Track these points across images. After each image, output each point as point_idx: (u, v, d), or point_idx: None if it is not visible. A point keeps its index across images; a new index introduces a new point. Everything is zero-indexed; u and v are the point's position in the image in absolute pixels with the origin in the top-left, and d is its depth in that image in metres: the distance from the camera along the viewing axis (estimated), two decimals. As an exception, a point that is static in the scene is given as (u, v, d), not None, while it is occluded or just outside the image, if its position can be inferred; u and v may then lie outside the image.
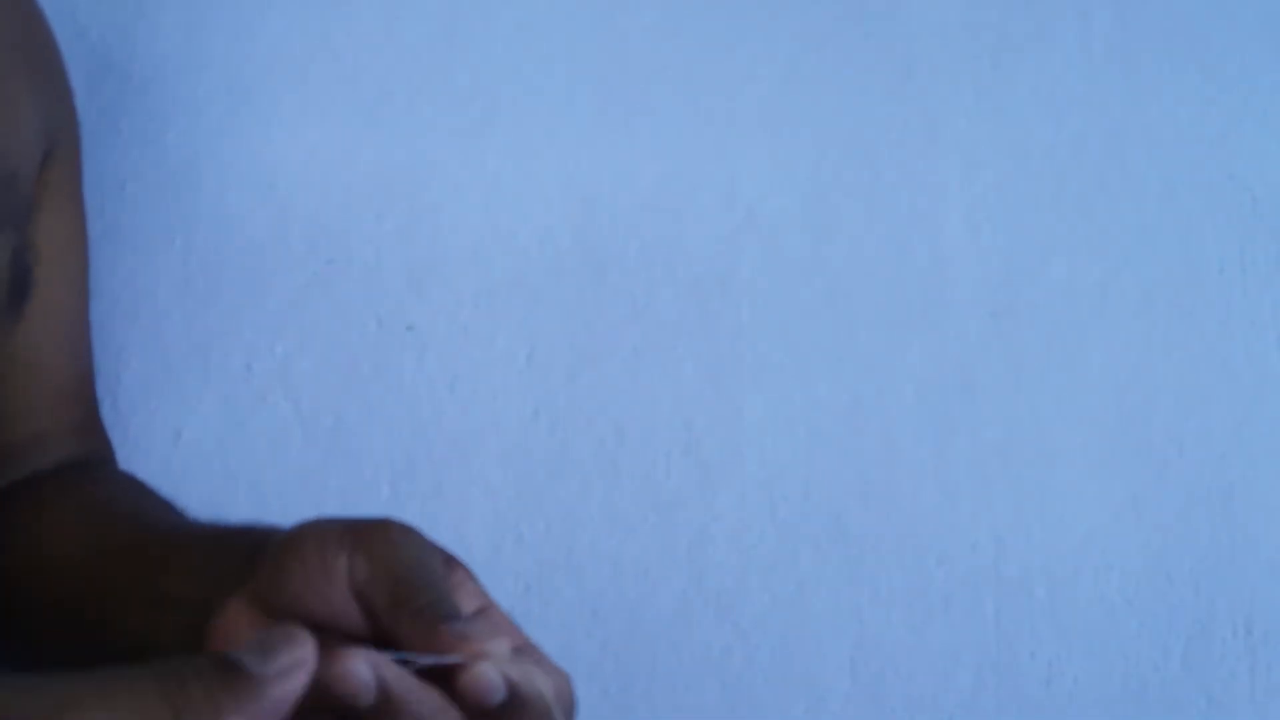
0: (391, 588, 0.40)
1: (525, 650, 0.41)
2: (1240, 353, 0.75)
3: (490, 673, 0.37)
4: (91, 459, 0.64)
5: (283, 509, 0.73)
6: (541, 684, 0.39)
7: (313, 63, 0.77)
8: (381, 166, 0.76)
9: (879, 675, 0.72)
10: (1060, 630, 0.73)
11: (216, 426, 0.74)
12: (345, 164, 0.76)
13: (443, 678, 0.38)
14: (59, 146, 0.60)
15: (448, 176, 0.76)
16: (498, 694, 0.37)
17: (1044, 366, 0.75)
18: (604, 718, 0.72)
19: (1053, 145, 0.77)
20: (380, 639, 0.40)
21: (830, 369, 0.75)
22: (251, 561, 0.45)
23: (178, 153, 0.75)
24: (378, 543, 0.42)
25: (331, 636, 0.39)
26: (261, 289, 0.70)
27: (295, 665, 0.34)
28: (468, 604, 0.42)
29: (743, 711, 0.72)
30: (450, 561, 0.44)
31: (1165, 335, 0.75)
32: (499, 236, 0.75)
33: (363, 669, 0.36)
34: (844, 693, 0.72)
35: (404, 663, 0.38)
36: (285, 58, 0.77)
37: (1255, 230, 0.76)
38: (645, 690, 0.72)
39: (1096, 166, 0.77)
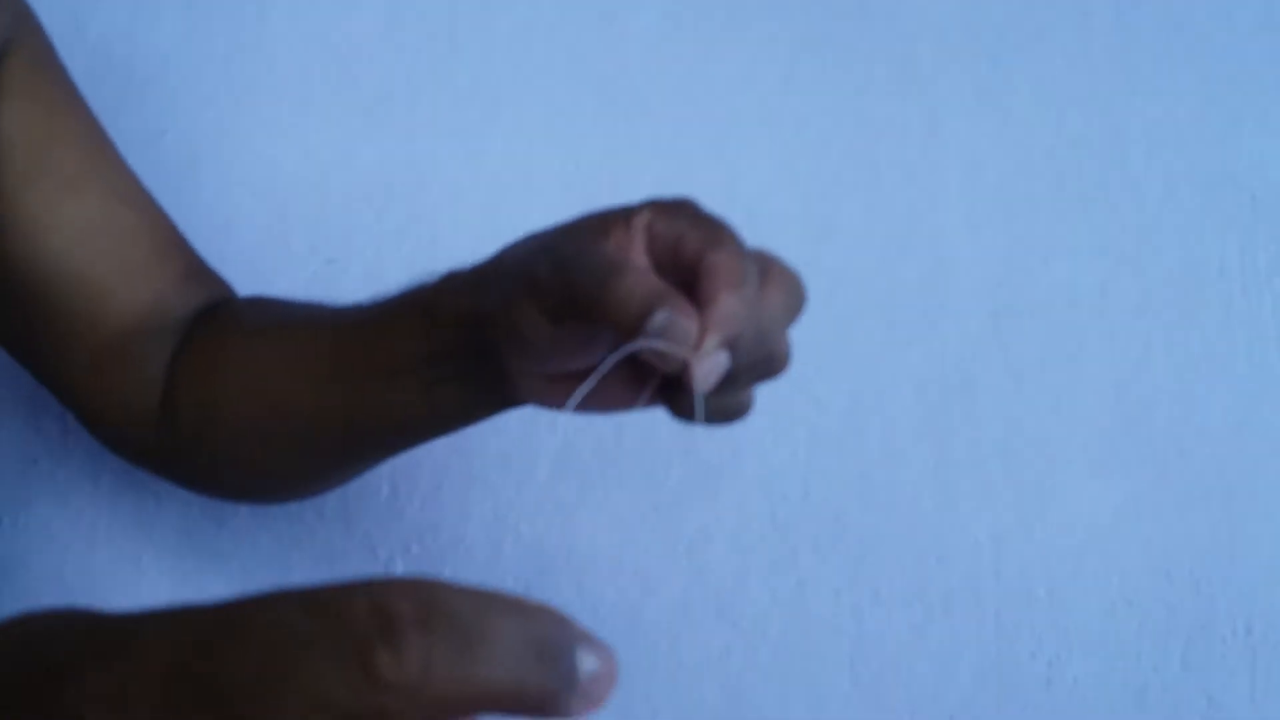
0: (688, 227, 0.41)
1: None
2: (1240, 353, 0.75)
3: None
4: (225, 296, 0.65)
5: (283, 509, 0.73)
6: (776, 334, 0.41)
7: (313, 63, 0.77)
8: (381, 166, 0.76)
9: (879, 675, 0.72)
10: (1060, 630, 0.73)
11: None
12: (345, 164, 0.76)
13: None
14: (12, 43, 0.59)
15: (448, 176, 0.76)
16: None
17: (1044, 366, 0.75)
18: (604, 718, 0.72)
19: (1053, 145, 0.77)
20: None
21: (830, 369, 0.75)
22: (475, 289, 0.46)
23: (178, 153, 0.75)
24: (670, 204, 0.43)
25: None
26: (261, 289, 0.70)
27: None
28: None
29: (743, 711, 0.72)
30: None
31: (1165, 335, 0.75)
32: (499, 236, 0.75)
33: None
34: (844, 693, 0.72)
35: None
36: (285, 58, 0.77)
37: (1255, 230, 0.76)
38: (645, 690, 0.72)
39: (1096, 166, 0.77)
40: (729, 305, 0.39)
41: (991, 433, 0.74)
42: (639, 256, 0.42)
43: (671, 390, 0.42)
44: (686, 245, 0.42)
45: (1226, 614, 0.73)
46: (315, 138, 0.76)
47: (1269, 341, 0.76)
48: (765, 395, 0.76)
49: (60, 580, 0.73)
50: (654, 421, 0.74)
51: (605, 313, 0.39)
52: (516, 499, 0.73)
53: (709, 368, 0.39)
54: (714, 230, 0.42)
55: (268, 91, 0.76)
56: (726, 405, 0.44)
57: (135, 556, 0.73)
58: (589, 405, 0.44)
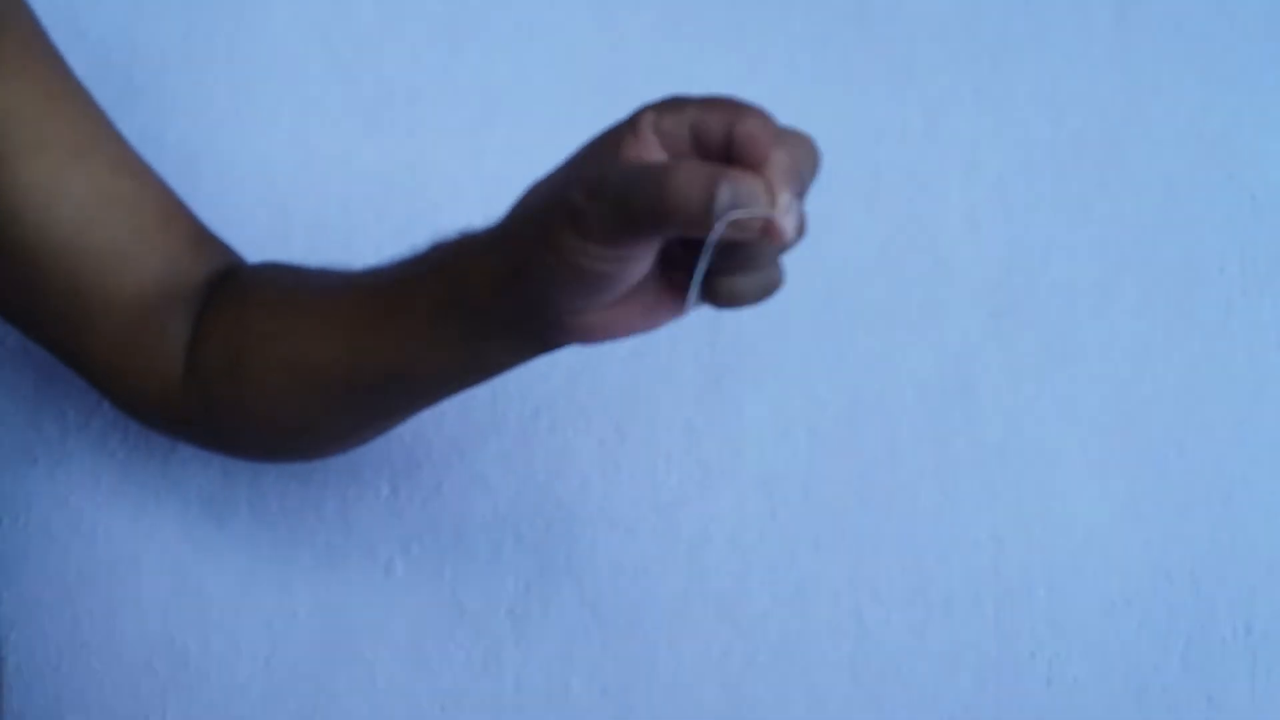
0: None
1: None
2: (1240, 353, 0.75)
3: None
4: (235, 260, 0.66)
5: (282, 509, 0.73)
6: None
7: (313, 63, 0.77)
8: (381, 166, 0.76)
9: (879, 675, 0.72)
10: (1060, 630, 0.73)
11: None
12: (345, 164, 0.76)
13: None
14: (3, 25, 0.60)
15: (448, 176, 0.76)
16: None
17: (1044, 366, 0.75)
18: (604, 718, 0.72)
19: (1053, 145, 0.77)
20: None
21: (830, 369, 0.75)
22: (504, 246, 0.48)
23: (178, 153, 0.75)
24: (667, 102, 0.45)
25: None
26: (261, 289, 0.70)
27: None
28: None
29: (743, 711, 0.72)
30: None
31: (1165, 335, 0.75)
32: (499, 236, 0.75)
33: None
34: (844, 693, 0.72)
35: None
36: (285, 58, 0.77)
37: (1255, 230, 0.76)
38: (645, 690, 0.72)
39: (1096, 166, 0.77)
40: (783, 160, 0.40)
41: (991, 433, 0.74)
42: (657, 155, 0.43)
43: (712, 281, 0.43)
44: (708, 128, 0.42)
45: (1226, 614, 0.73)
46: (315, 138, 0.76)
47: (1269, 341, 0.76)
48: (765, 395, 0.76)
49: (60, 580, 0.73)
50: (654, 422, 0.74)
51: (671, 212, 0.39)
52: (516, 499, 0.73)
53: (793, 219, 0.40)
54: (727, 105, 0.43)
55: (268, 91, 0.76)
56: (764, 281, 0.44)
57: (135, 556, 0.73)
58: (641, 325, 0.46)
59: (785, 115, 0.77)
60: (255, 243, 0.74)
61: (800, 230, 0.41)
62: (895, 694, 0.72)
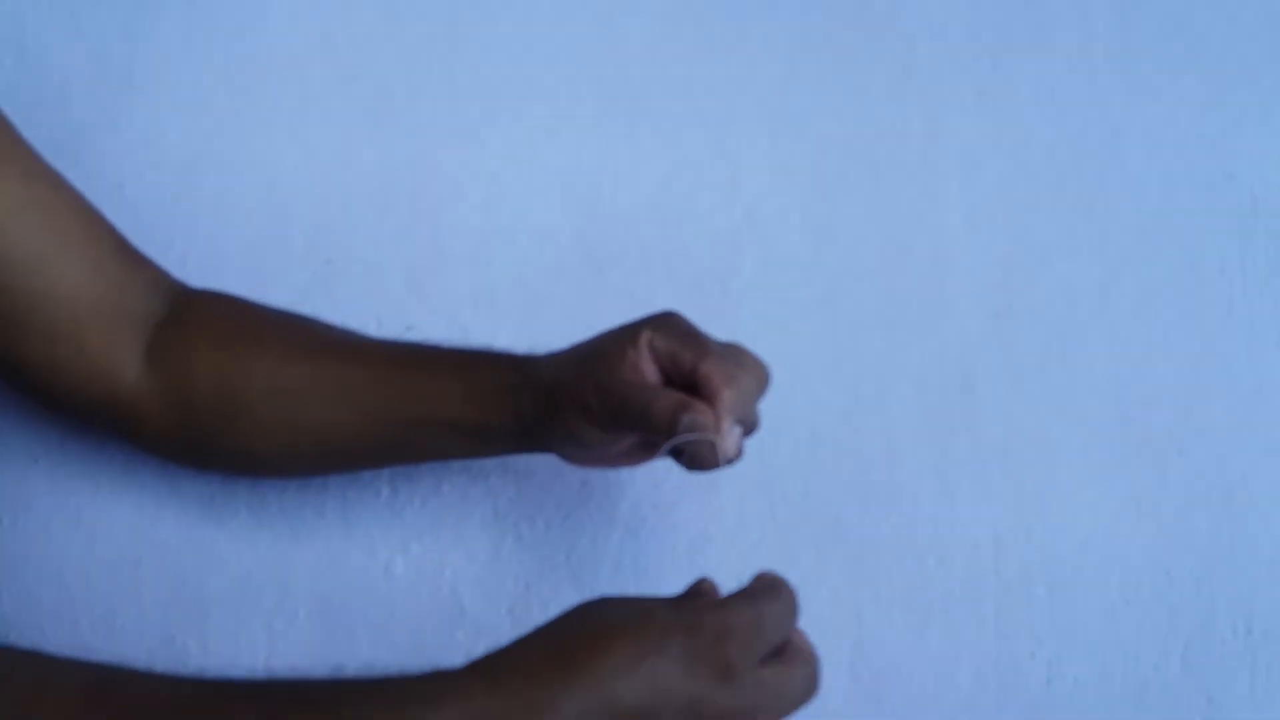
0: (683, 343, 0.56)
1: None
2: (1240, 353, 0.75)
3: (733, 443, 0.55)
4: (173, 282, 0.68)
5: (282, 509, 0.73)
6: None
7: (313, 63, 0.77)
8: (381, 166, 0.76)
9: (879, 675, 0.72)
10: (1060, 630, 0.73)
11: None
12: (345, 164, 0.76)
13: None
14: None
15: (448, 176, 0.76)
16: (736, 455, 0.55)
17: (1044, 366, 0.75)
18: (604, 718, 0.72)
19: (1053, 145, 0.77)
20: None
21: (830, 369, 0.75)
22: (523, 380, 0.60)
23: (178, 153, 0.75)
24: (661, 323, 0.57)
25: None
26: (261, 289, 0.70)
27: None
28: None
29: (743, 711, 0.72)
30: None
31: (1165, 335, 0.75)
32: (499, 236, 0.75)
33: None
34: (844, 693, 0.72)
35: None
36: (285, 58, 0.77)
37: (1255, 230, 0.76)
38: (645, 690, 0.72)
39: (1096, 166, 0.77)
40: (730, 397, 0.54)
41: (991, 433, 0.74)
42: (648, 366, 0.56)
43: (679, 453, 0.56)
44: (682, 359, 0.56)
45: (1226, 614, 0.73)
46: (315, 138, 0.76)
47: (1269, 341, 0.76)
48: (765, 395, 0.76)
49: (60, 580, 0.73)
50: (654, 421, 0.74)
51: (650, 425, 0.54)
52: (516, 499, 0.73)
53: (732, 440, 0.54)
54: (699, 343, 0.56)
55: (268, 91, 0.76)
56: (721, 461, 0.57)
57: (135, 557, 0.73)
58: (622, 464, 0.62)
59: (786, 115, 0.78)
60: (255, 243, 0.75)
61: (738, 450, 0.55)
62: (895, 694, 0.72)
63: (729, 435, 0.54)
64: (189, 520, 0.73)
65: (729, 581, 0.73)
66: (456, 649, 0.72)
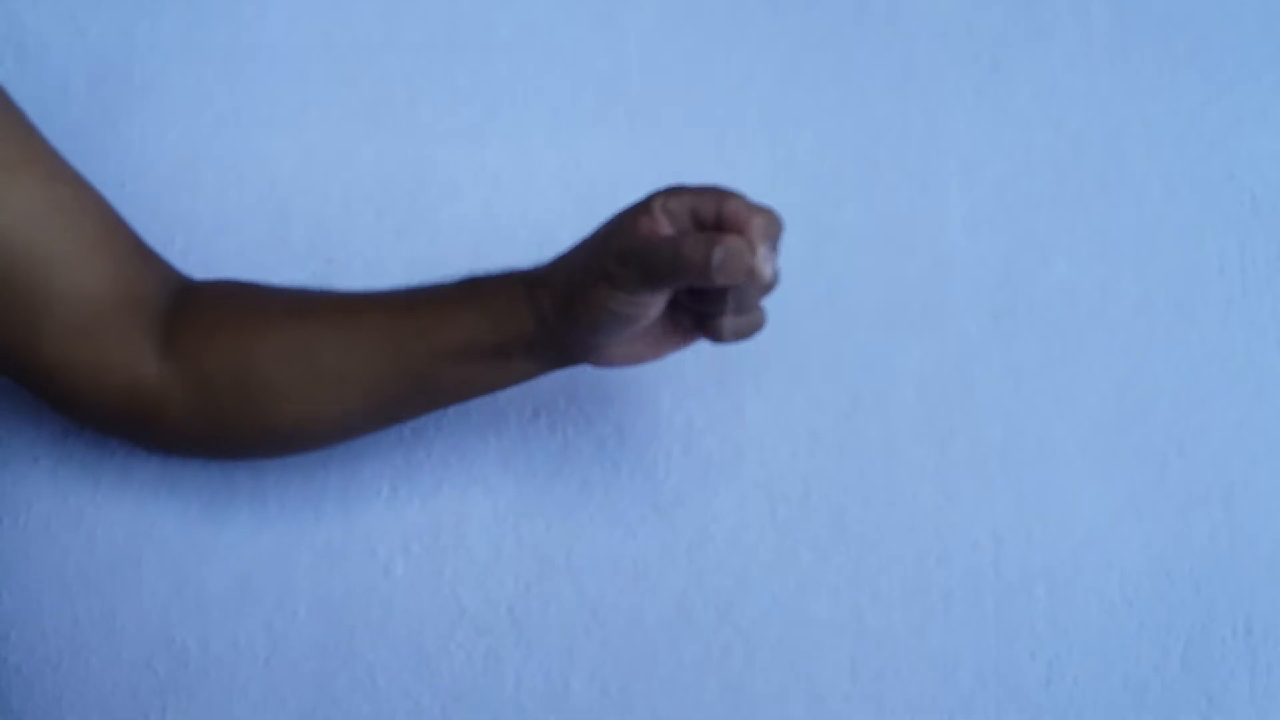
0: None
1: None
2: (1240, 353, 0.75)
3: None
4: (181, 276, 0.68)
5: (282, 509, 0.73)
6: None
7: (313, 63, 0.77)
8: (381, 166, 0.76)
9: (879, 675, 0.72)
10: (1060, 630, 0.73)
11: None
12: (345, 164, 0.76)
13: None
14: None
15: (448, 176, 0.76)
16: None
17: (1044, 366, 0.75)
18: (604, 718, 0.72)
19: (1053, 145, 0.77)
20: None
21: (830, 369, 0.75)
22: (536, 280, 0.59)
23: (178, 153, 0.75)
24: (669, 190, 0.56)
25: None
26: (261, 289, 0.70)
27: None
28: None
29: (743, 711, 0.72)
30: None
31: (1165, 335, 0.75)
32: (499, 236, 0.75)
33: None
34: (844, 693, 0.72)
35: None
36: (285, 58, 0.77)
37: (1255, 230, 0.76)
38: (645, 690, 0.72)
39: (1096, 166, 0.77)
40: (758, 223, 0.54)
41: (991, 433, 0.74)
42: (667, 229, 0.55)
43: (707, 326, 0.57)
44: (703, 210, 0.55)
45: (1226, 614, 0.73)
46: (315, 138, 0.76)
47: (1269, 341, 0.76)
48: (765, 395, 0.76)
49: (60, 580, 0.73)
50: (654, 421, 0.74)
51: (683, 266, 0.53)
52: (516, 499, 0.73)
53: (769, 265, 0.53)
54: (716, 192, 0.55)
55: (268, 91, 0.76)
56: (750, 322, 0.58)
57: (135, 557, 0.73)
58: (649, 356, 0.61)
59: (786, 115, 0.78)
60: (255, 243, 0.75)
61: (775, 275, 0.54)
62: (895, 694, 0.72)
63: (766, 259, 0.53)
64: (189, 520, 0.73)
65: (729, 581, 0.74)
66: (456, 649, 0.72)
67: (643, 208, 0.56)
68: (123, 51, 0.76)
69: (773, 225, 0.55)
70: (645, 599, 0.73)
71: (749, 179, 0.76)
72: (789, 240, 0.77)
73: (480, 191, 0.76)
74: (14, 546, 0.73)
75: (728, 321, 0.57)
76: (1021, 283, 0.76)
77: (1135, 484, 0.74)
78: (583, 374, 0.74)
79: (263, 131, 0.76)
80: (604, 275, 0.55)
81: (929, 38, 0.78)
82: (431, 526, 0.73)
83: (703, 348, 0.74)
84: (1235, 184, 0.77)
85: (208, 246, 0.74)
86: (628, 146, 0.76)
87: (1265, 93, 0.78)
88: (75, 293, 0.62)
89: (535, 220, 0.76)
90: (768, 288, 0.55)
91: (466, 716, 0.72)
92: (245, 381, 0.63)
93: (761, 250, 0.53)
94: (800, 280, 0.76)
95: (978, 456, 0.74)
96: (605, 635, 0.73)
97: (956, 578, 0.73)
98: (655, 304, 0.57)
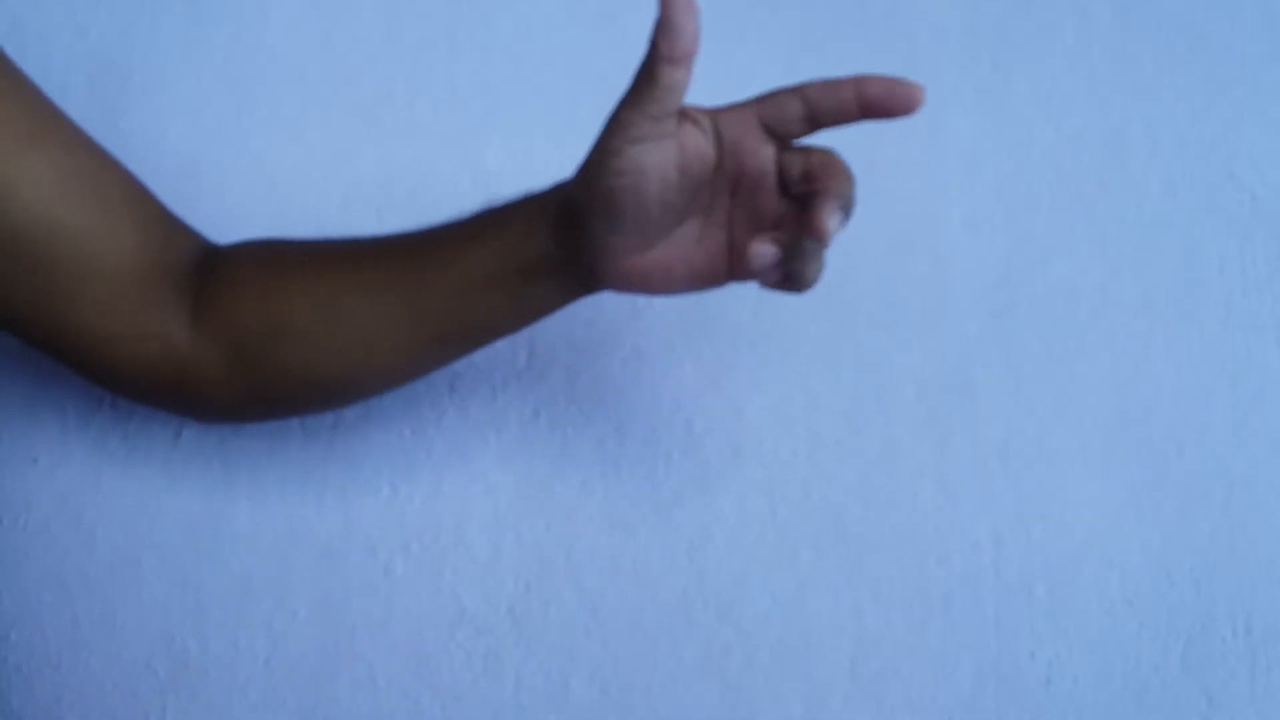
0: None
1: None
2: (1240, 353, 0.75)
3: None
4: (206, 241, 0.68)
5: (283, 509, 0.73)
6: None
7: (313, 63, 0.77)
8: (381, 166, 0.76)
9: (879, 675, 0.72)
10: (1060, 630, 0.73)
11: (216, 426, 0.74)
12: (345, 164, 0.76)
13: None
14: None
15: (448, 176, 0.76)
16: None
17: (1044, 366, 0.75)
18: (604, 718, 0.72)
19: (1053, 145, 0.77)
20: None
21: (830, 369, 0.75)
22: (551, 193, 0.59)
23: (178, 153, 0.75)
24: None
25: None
26: (261, 289, 0.70)
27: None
28: None
29: (743, 711, 0.72)
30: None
31: (1165, 335, 0.75)
32: (499, 236, 0.75)
33: None
34: (844, 693, 0.72)
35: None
36: (285, 58, 0.77)
37: (1255, 230, 0.76)
38: (645, 690, 0.72)
39: (1096, 166, 0.77)
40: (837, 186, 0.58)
41: (991, 433, 0.74)
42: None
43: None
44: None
45: (1226, 614, 0.73)
46: (315, 138, 0.76)
47: (1269, 341, 0.76)
48: (765, 395, 0.76)
49: (60, 580, 0.73)
50: (654, 421, 0.74)
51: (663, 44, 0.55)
52: (516, 499, 0.73)
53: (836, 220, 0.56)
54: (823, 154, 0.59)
55: (268, 91, 0.76)
56: (813, 269, 0.55)
57: (135, 556, 0.73)
58: (681, 280, 0.57)
59: (785, 115, 0.77)
60: (255, 243, 0.74)
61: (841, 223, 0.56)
62: (895, 694, 0.72)
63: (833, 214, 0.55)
64: (189, 520, 0.73)
65: (729, 581, 0.74)
66: (456, 649, 0.72)
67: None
68: (123, 51, 0.76)
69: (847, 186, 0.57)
70: (645, 599, 0.73)
71: (749, 179, 0.77)
72: (789, 240, 0.77)
73: (480, 191, 0.76)
74: (14, 546, 0.73)
75: (792, 267, 0.54)
76: (1021, 283, 0.76)
77: (1135, 484, 0.74)
78: (583, 374, 0.74)
79: (263, 131, 0.76)
80: (616, 113, 0.57)
81: (929, 38, 0.78)
82: (431, 526, 0.73)
83: (703, 348, 0.75)
84: (1235, 184, 0.77)
85: (208, 246, 0.74)
86: (628, 146, 0.76)
87: (1265, 93, 0.78)
88: (105, 263, 0.61)
89: (535, 220, 0.76)
90: (828, 237, 0.55)
91: (466, 716, 0.72)
92: (276, 335, 0.62)
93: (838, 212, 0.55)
94: (800, 280, 0.76)
95: (978, 456, 0.74)
96: (605, 635, 0.73)
97: (956, 578, 0.73)
98: (702, 200, 0.57)
